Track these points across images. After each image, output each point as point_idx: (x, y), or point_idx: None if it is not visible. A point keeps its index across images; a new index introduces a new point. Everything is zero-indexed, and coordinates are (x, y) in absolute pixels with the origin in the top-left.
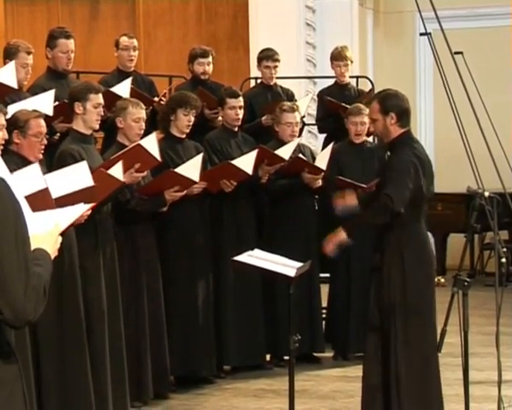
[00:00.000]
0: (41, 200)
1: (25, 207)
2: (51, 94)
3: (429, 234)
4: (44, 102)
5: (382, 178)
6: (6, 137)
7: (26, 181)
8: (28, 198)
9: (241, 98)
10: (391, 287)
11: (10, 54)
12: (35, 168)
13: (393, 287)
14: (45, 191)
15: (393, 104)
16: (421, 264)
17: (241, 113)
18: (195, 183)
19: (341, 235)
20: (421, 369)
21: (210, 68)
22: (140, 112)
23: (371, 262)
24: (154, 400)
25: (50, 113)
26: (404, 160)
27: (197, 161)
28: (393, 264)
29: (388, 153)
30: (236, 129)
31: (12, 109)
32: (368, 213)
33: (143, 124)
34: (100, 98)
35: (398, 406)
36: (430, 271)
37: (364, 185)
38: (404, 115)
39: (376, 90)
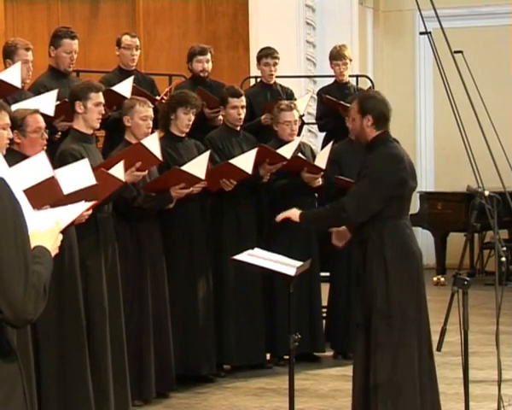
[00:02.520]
0: (48, 189)
1: (25, 204)
2: (54, 94)
3: (429, 233)
4: (46, 102)
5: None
6: (11, 136)
7: (32, 171)
8: (36, 187)
9: (243, 98)
10: (373, 286)
11: (9, 53)
12: (41, 157)
13: (375, 287)
14: (52, 180)
15: (371, 106)
16: (404, 262)
17: (243, 112)
18: (201, 180)
19: (295, 216)
20: (407, 372)
21: (209, 66)
22: (147, 110)
23: (355, 259)
24: (155, 398)
25: (52, 113)
26: (378, 160)
27: (204, 158)
28: (375, 262)
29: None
30: (238, 128)
31: (14, 109)
32: (322, 217)
33: (151, 122)
34: (100, 97)
35: None
36: (414, 269)
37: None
38: (380, 119)
39: (376, 89)
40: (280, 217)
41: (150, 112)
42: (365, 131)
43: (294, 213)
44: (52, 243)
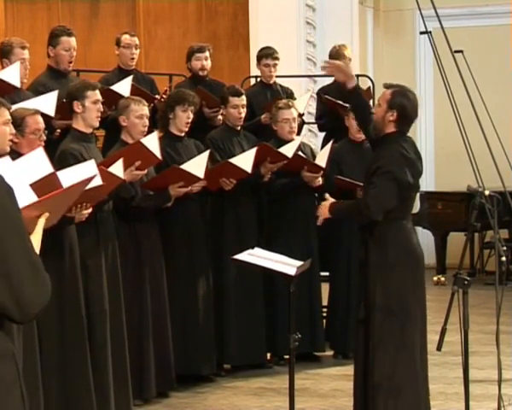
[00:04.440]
0: (49, 185)
1: (32, 198)
2: (54, 95)
3: (429, 232)
4: (47, 103)
5: (368, 174)
6: (13, 131)
7: (31, 167)
8: (36, 184)
9: (244, 97)
10: (374, 285)
11: (5, 52)
12: (39, 153)
13: (376, 285)
14: (52, 176)
15: (402, 105)
16: (407, 262)
17: (243, 111)
18: (200, 179)
19: (325, 213)
20: (401, 372)
21: (208, 64)
22: (142, 108)
23: (358, 256)
24: (155, 398)
25: (52, 113)
26: (391, 158)
27: (203, 158)
28: (377, 261)
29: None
30: (239, 128)
31: (14, 109)
32: (346, 211)
33: (147, 120)
34: (98, 95)
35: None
36: (417, 269)
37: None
38: (404, 120)
39: (376, 89)
40: (321, 221)
41: (146, 110)
42: (385, 124)
43: (325, 211)
44: (38, 243)
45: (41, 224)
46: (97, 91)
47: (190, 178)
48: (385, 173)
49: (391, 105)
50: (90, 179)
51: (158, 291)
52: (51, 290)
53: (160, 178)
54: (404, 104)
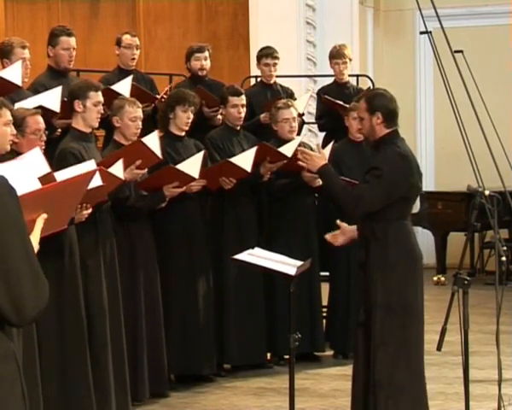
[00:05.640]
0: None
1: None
2: (58, 91)
3: (429, 232)
4: (51, 99)
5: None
6: (14, 132)
7: (29, 166)
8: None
9: (243, 96)
10: (375, 284)
11: (5, 52)
12: (36, 153)
13: (377, 284)
14: (49, 176)
15: (380, 104)
16: (408, 262)
17: (243, 111)
18: (195, 179)
19: (318, 163)
20: (402, 371)
21: (207, 63)
22: (137, 110)
23: (358, 257)
24: (153, 398)
25: (57, 109)
26: (387, 160)
27: (198, 158)
28: (378, 261)
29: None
30: (238, 127)
31: (16, 107)
32: (336, 184)
33: (140, 123)
34: (100, 96)
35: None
36: (417, 270)
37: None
38: (390, 116)
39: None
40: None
41: (139, 112)
42: (375, 130)
43: (319, 160)
44: (36, 244)
45: (39, 224)
46: (99, 93)
47: (185, 178)
48: (382, 176)
49: (371, 110)
50: (91, 173)
51: (152, 293)
52: (51, 291)
53: (155, 178)
54: (382, 102)
